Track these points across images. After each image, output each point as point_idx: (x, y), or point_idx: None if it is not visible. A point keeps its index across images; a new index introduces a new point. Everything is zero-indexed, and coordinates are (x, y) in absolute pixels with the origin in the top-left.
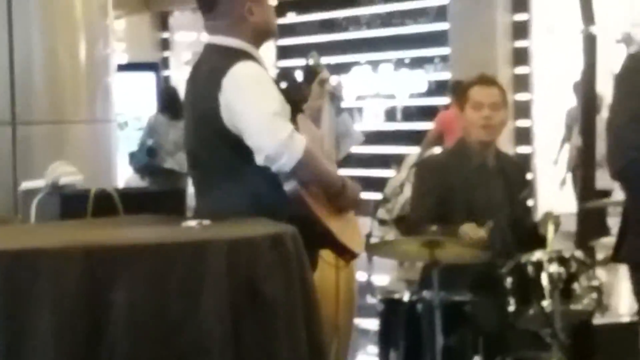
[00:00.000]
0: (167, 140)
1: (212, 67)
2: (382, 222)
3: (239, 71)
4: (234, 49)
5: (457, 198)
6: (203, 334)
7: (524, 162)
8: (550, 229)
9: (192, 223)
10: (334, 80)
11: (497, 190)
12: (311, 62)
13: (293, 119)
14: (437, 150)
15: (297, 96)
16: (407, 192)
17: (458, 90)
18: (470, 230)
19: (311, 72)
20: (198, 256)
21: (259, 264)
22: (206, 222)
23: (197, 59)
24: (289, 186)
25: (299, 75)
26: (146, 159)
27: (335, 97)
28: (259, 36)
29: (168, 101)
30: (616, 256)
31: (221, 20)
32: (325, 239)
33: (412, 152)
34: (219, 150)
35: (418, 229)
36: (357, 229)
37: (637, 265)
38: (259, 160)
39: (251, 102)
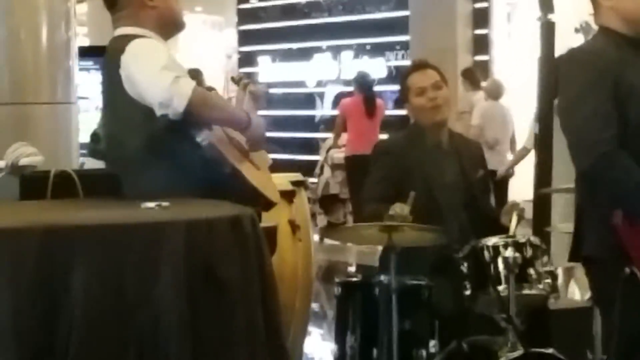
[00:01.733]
0: None
1: (113, 50)
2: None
3: (134, 45)
4: (133, 35)
5: (413, 179)
6: (160, 315)
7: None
8: (514, 219)
9: (151, 204)
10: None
11: (451, 171)
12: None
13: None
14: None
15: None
16: (327, 173)
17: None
18: (398, 208)
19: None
20: (155, 237)
21: (216, 246)
22: (165, 203)
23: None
24: (202, 141)
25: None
26: (91, 145)
27: (256, 97)
28: (165, 25)
29: None
30: (574, 256)
31: (123, 11)
32: (244, 190)
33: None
34: (136, 128)
35: (373, 212)
36: (271, 181)
37: (601, 262)
38: (158, 112)
39: (141, 63)
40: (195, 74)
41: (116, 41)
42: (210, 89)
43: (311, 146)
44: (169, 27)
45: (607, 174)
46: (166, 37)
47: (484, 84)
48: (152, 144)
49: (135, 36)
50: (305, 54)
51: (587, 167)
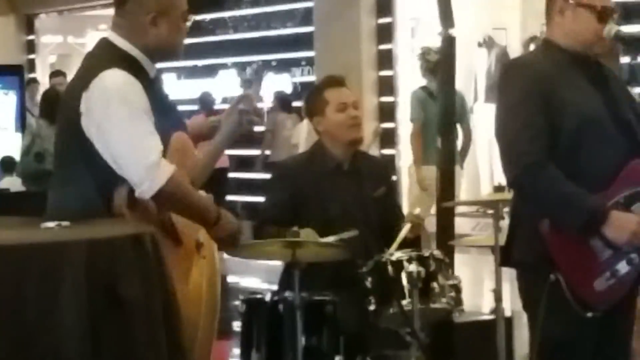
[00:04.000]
0: (52, 143)
1: (89, 63)
2: None
3: (109, 78)
4: (122, 52)
5: (311, 202)
6: (61, 337)
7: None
8: (405, 228)
9: (51, 224)
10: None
11: (350, 190)
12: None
13: (166, 139)
14: None
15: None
16: None
17: (311, 95)
18: (304, 234)
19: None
20: (56, 257)
21: (118, 265)
22: (65, 223)
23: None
24: (118, 196)
25: None
26: (35, 164)
27: (243, 112)
28: (158, 52)
29: (47, 105)
30: (505, 261)
31: (125, 20)
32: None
33: None
34: (72, 148)
35: (271, 235)
36: None
37: (529, 267)
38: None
39: (117, 120)
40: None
41: (103, 48)
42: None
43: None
44: (163, 54)
45: (533, 184)
46: (156, 61)
47: None
48: (82, 178)
49: (121, 56)
50: (210, 71)
51: (515, 177)
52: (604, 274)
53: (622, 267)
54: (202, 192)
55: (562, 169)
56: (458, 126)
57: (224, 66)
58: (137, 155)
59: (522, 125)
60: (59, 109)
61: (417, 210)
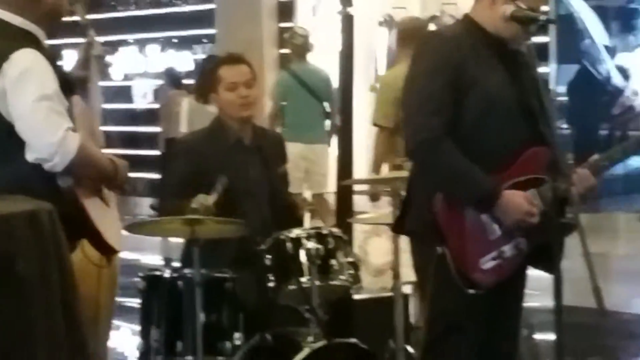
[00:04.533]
0: None
1: None
2: None
3: (21, 60)
4: (18, 29)
5: (213, 178)
6: None
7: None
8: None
9: None
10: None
11: (254, 166)
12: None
13: (69, 103)
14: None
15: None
16: None
17: (207, 72)
18: (202, 199)
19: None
20: None
21: (14, 241)
22: None
23: None
24: (63, 182)
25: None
26: None
27: (101, 59)
28: (48, 18)
29: None
30: (397, 228)
31: None
32: (92, 238)
33: None
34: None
35: (173, 209)
36: (118, 224)
37: (419, 237)
38: (29, 158)
39: (26, 97)
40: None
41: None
42: None
43: (132, 140)
44: (53, 19)
45: (428, 158)
46: (45, 28)
47: None
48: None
49: (21, 33)
50: (110, 47)
51: (413, 148)
52: (491, 254)
53: (509, 249)
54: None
55: (462, 146)
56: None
57: (124, 42)
58: (45, 133)
59: (426, 97)
60: None
61: (307, 194)
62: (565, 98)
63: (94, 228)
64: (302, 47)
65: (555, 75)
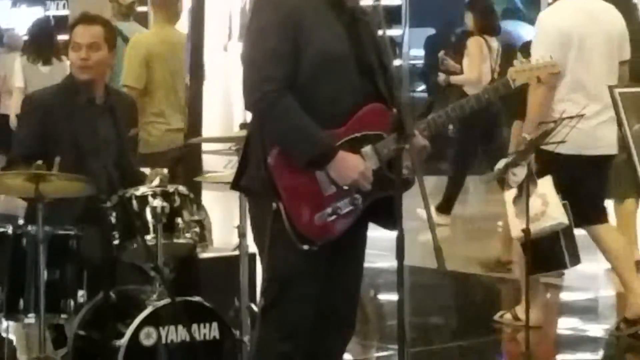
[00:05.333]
0: None
1: None
2: None
3: None
4: None
5: (62, 135)
6: None
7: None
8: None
9: None
10: None
11: (104, 127)
12: None
13: None
14: None
15: None
16: None
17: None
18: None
19: None
20: None
21: None
22: None
23: None
24: None
25: None
26: None
27: None
28: None
29: None
30: (234, 185)
31: None
32: None
33: None
34: None
35: (19, 165)
36: None
37: (253, 193)
38: None
39: None
40: None
41: None
42: None
43: None
44: None
45: (270, 111)
46: None
47: None
48: None
49: None
50: None
51: (254, 101)
52: (326, 210)
53: (345, 205)
54: None
55: (299, 101)
56: None
57: None
58: None
59: (269, 51)
60: None
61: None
62: (419, 62)
63: None
64: (127, 8)
65: (407, 39)
